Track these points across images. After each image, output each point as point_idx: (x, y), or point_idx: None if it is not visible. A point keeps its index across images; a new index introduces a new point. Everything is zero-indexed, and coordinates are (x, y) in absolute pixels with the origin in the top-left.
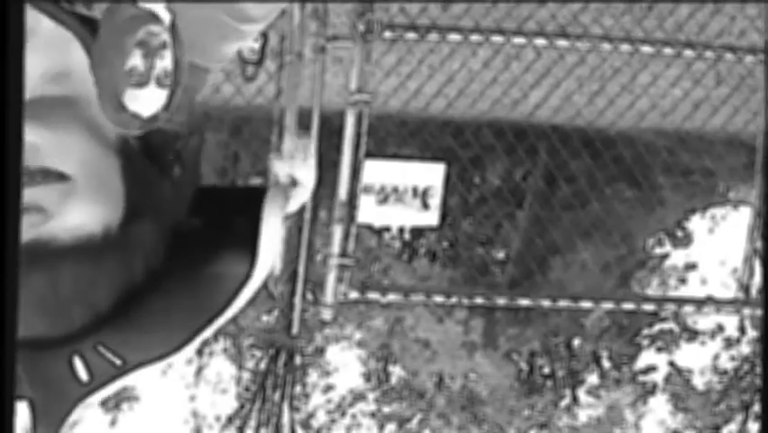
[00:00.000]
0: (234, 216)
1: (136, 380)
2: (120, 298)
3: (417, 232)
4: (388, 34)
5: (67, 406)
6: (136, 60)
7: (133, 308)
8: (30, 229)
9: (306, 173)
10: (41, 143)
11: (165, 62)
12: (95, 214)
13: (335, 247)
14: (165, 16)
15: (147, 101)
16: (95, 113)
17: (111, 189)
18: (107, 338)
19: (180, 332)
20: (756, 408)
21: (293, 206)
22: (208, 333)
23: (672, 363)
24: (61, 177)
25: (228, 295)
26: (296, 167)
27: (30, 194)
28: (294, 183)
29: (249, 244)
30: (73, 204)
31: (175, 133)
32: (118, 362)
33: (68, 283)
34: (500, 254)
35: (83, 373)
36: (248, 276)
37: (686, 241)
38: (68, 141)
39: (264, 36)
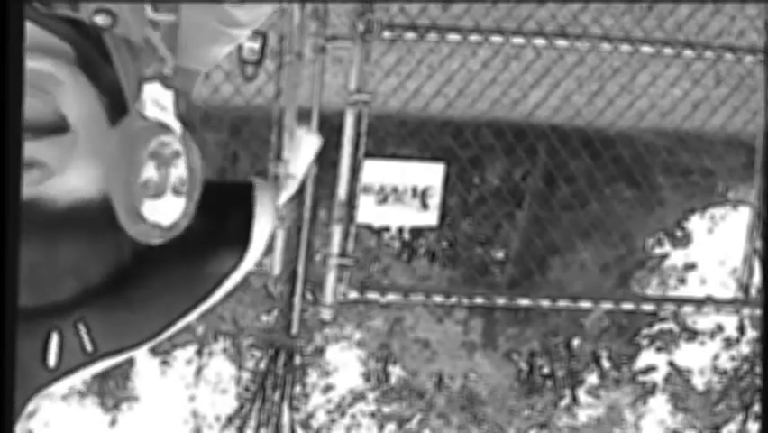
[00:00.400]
0: (226, 208)
1: (100, 369)
2: (109, 274)
3: (417, 232)
4: (387, 34)
5: (28, 393)
6: (150, 172)
7: (119, 289)
8: (30, 186)
9: (296, 165)
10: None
11: (179, 171)
12: (93, 175)
13: (335, 247)
14: (175, 126)
15: (165, 210)
16: (84, 72)
17: (107, 151)
18: (90, 316)
19: (157, 321)
20: (756, 408)
21: (283, 197)
22: (184, 323)
23: (671, 363)
24: (64, 129)
25: (214, 284)
26: (294, 161)
27: (33, 148)
28: (284, 175)
29: (241, 236)
30: (74, 161)
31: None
32: (89, 348)
33: (63, 250)
34: (500, 254)
35: (52, 358)
36: (235, 267)
37: (685, 241)
38: (73, 89)
39: (264, 36)
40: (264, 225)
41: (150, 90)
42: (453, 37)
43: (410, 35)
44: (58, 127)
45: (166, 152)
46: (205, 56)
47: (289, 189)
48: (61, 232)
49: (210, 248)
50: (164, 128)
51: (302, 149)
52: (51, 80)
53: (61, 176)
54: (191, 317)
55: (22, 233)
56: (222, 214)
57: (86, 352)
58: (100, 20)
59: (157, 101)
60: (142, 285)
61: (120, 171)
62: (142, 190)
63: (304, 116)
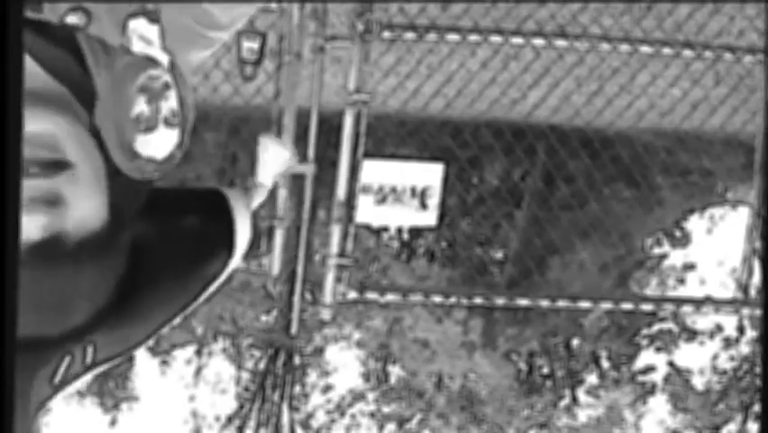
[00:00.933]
0: (208, 215)
1: (92, 375)
2: (113, 292)
3: (416, 232)
4: (386, 34)
5: (33, 409)
6: (141, 107)
7: (121, 302)
8: (57, 220)
9: (268, 176)
10: (53, 131)
11: (170, 103)
12: (95, 206)
13: (334, 247)
14: (163, 58)
15: (159, 143)
16: (72, 103)
17: (101, 181)
18: (98, 336)
19: (151, 324)
20: (756, 408)
21: (253, 205)
22: (172, 324)
23: (671, 364)
24: (66, 164)
25: (201, 287)
26: (261, 169)
27: (50, 184)
28: (254, 184)
29: (225, 242)
30: (80, 193)
31: None
32: (89, 361)
33: (79, 280)
34: (499, 254)
35: (59, 376)
36: (221, 271)
37: (684, 241)
38: (69, 128)
39: (263, 36)
40: (244, 230)
41: (136, 25)
42: (452, 37)
43: (409, 35)
44: (61, 163)
45: (155, 86)
46: (185, 61)
47: (258, 198)
48: (78, 262)
49: (198, 256)
50: (151, 62)
51: (268, 156)
52: (53, 138)
53: (74, 208)
54: (178, 320)
55: (50, 267)
56: (203, 222)
57: (86, 365)
58: (74, 19)
59: (142, 35)
60: (138, 296)
61: (110, 109)
62: (134, 126)
63: (303, 116)
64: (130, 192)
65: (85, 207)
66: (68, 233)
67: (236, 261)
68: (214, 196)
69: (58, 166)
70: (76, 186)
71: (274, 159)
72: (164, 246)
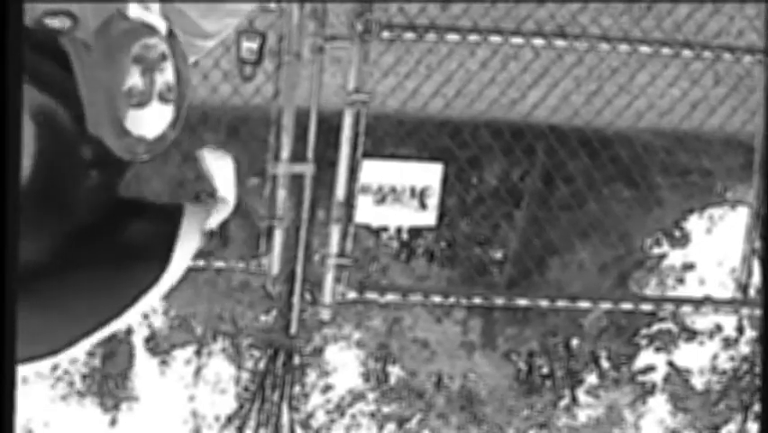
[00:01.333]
0: (151, 226)
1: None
2: (25, 269)
3: (415, 232)
4: (386, 34)
5: None
6: (135, 79)
7: (36, 283)
8: None
9: (228, 190)
10: None
11: (166, 76)
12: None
13: (333, 247)
14: (161, 26)
15: (151, 121)
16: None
17: (26, 155)
18: None
19: (68, 331)
20: (756, 408)
21: (214, 221)
22: (95, 338)
23: (670, 363)
24: None
25: (128, 299)
26: (218, 184)
27: None
28: (215, 199)
29: (161, 255)
30: None
31: None
32: None
33: None
34: (498, 254)
35: None
36: (151, 285)
37: (684, 241)
38: None
39: (262, 36)
40: (187, 247)
41: None
42: (452, 37)
43: (409, 35)
44: None
45: (151, 56)
46: None
47: (222, 213)
48: None
49: (127, 262)
50: (149, 29)
51: (214, 168)
52: None
53: None
54: (105, 332)
55: None
56: (146, 231)
57: None
58: (56, 23)
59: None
60: (59, 284)
61: (101, 79)
62: (126, 99)
63: (302, 116)
64: (80, 194)
65: None
66: None
67: (169, 281)
68: (170, 209)
69: None
70: None
71: (220, 169)
72: (96, 241)
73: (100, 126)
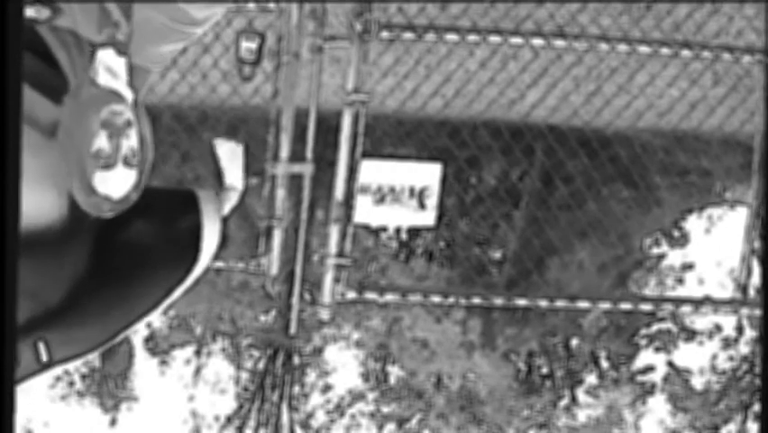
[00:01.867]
0: (173, 218)
1: (53, 372)
2: (68, 292)
3: (414, 232)
4: (385, 34)
5: None
6: (102, 142)
7: (79, 303)
8: None
9: (237, 178)
10: None
11: (131, 141)
12: (45, 202)
13: (332, 247)
14: (127, 94)
15: (116, 182)
16: (28, 102)
17: (58, 178)
18: (51, 334)
19: (110, 328)
20: (756, 408)
21: (226, 209)
22: (134, 329)
23: (670, 364)
24: None
25: (165, 291)
26: (228, 171)
27: None
28: (226, 187)
29: (192, 245)
30: (26, 192)
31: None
32: (45, 359)
33: (24, 277)
34: (497, 254)
35: None
36: (184, 277)
37: (683, 241)
38: None
39: (261, 36)
40: (211, 234)
41: (103, 57)
42: (451, 37)
43: (408, 35)
44: None
45: (118, 122)
46: (156, 54)
47: (232, 200)
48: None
49: (162, 259)
50: (116, 96)
51: (229, 158)
52: None
53: None
54: (141, 324)
55: None
56: (169, 224)
57: (42, 362)
58: (34, 12)
59: (110, 68)
60: (97, 298)
61: (72, 140)
62: (94, 161)
63: (301, 116)
64: None
65: (28, 205)
66: None
67: (203, 265)
68: (185, 198)
69: None
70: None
71: (231, 157)
72: (127, 248)
73: (72, 183)
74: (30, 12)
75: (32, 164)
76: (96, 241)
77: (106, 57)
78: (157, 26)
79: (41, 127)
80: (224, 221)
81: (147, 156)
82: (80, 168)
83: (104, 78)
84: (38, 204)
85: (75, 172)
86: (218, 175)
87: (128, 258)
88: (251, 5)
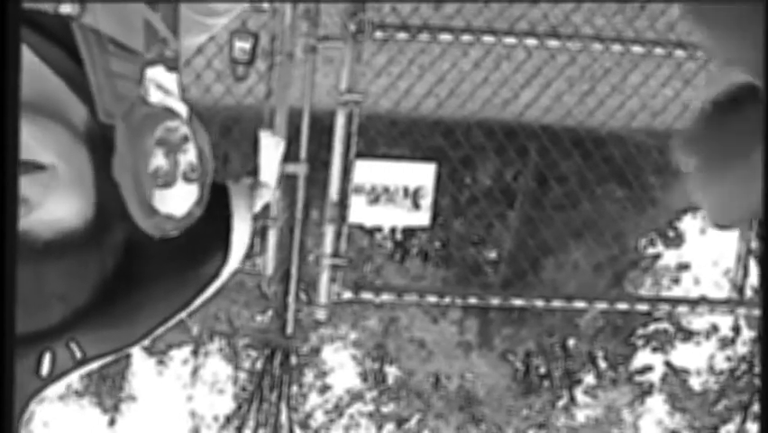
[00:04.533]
0: (204, 213)
1: (88, 369)
2: (95, 293)
3: (409, 232)
4: (378, 34)
5: (23, 401)
6: (159, 160)
7: (106, 303)
8: None
9: (273, 174)
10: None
11: (189, 156)
12: (74, 206)
13: (327, 247)
14: (181, 109)
15: (177, 200)
16: (63, 103)
17: (86, 182)
18: (80, 334)
19: (143, 325)
20: (755, 408)
21: (257, 205)
22: (167, 327)
23: (668, 364)
24: (42, 167)
25: (196, 291)
26: (263, 167)
27: None
28: (258, 183)
29: (221, 242)
30: (54, 195)
31: None
32: (79, 356)
33: (49, 279)
34: (492, 254)
35: (45, 369)
36: (216, 274)
37: (678, 241)
38: (44, 132)
39: (255, 36)
40: (242, 230)
41: (153, 74)
42: (445, 37)
43: (402, 35)
44: (28, 165)
45: (173, 138)
46: (180, 47)
47: (264, 197)
48: (46, 262)
49: (191, 258)
50: (170, 113)
51: (269, 153)
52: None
53: (43, 209)
54: (173, 322)
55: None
56: (199, 220)
57: (77, 359)
58: (68, 8)
59: (161, 85)
60: (128, 298)
61: (127, 162)
62: (152, 180)
63: (295, 116)
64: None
65: (59, 209)
66: (32, 233)
67: (234, 263)
68: (214, 191)
69: (24, 169)
70: (47, 188)
71: (273, 152)
72: (154, 248)
73: (130, 206)
74: (65, 8)
75: (61, 167)
76: (124, 242)
77: (156, 74)
78: (182, 21)
79: (73, 128)
80: (255, 218)
81: (207, 169)
82: (138, 189)
83: (155, 96)
84: (66, 207)
85: (133, 194)
86: (254, 169)
87: (155, 257)
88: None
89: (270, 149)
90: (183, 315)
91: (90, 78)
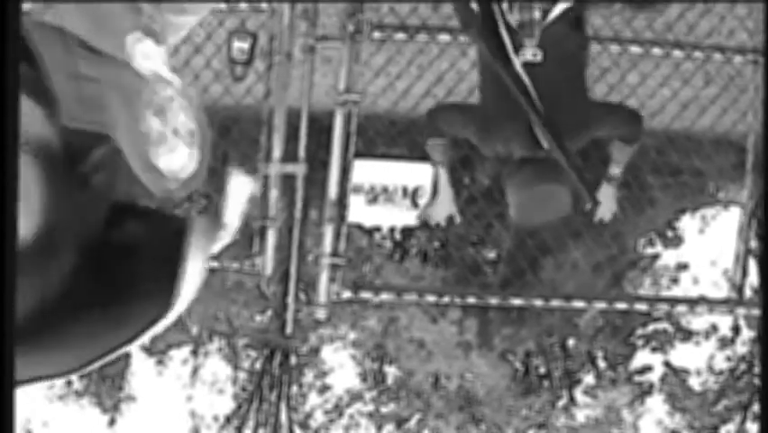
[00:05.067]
0: (158, 244)
1: None
2: (33, 313)
3: (408, 232)
4: (377, 34)
5: None
6: (150, 120)
7: (44, 325)
8: None
9: (237, 216)
10: None
11: (181, 118)
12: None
13: (326, 247)
14: (168, 75)
15: (177, 159)
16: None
17: (30, 198)
18: (19, 350)
19: (79, 356)
20: (755, 408)
21: (216, 247)
22: (102, 362)
23: (667, 364)
24: None
25: (138, 329)
26: (231, 208)
27: None
28: (221, 224)
29: (171, 281)
30: None
31: (96, 134)
32: None
33: None
34: (491, 254)
35: None
36: (162, 315)
37: (677, 241)
38: None
39: (253, 36)
40: (194, 273)
41: (140, 45)
42: (443, 37)
43: (400, 35)
44: None
45: (160, 98)
46: (174, 24)
47: (224, 240)
48: None
49: (139, 292)
50: (156, 76)
51: (237, 193)
52: None
53: None
54: (115, 355)
55: None
56: (152, 253)
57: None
58: (27, 5)
59: (147, 54)
60: (70, 323)
61: (122, 123)
62: (145, 138)
63: (293, 116)
64: (81, 213)
65: None
66: None
67: (180, 308)
68: (173, 223)
69: None
70: None
71: (241, 192)
72: (101, 278)
73: (133, 167)
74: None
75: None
76: (75, 265)
77: (143, 45)
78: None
79: (25, 139)
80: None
81: (205, 136)
82: (136, 149)
83: (144, 65)
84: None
85: (133, 153)
86: (220, 208)
87: (104, 285)
88: (243, 5)
89: (239, 189)
90: (120, 352)
91: (51, 80)
